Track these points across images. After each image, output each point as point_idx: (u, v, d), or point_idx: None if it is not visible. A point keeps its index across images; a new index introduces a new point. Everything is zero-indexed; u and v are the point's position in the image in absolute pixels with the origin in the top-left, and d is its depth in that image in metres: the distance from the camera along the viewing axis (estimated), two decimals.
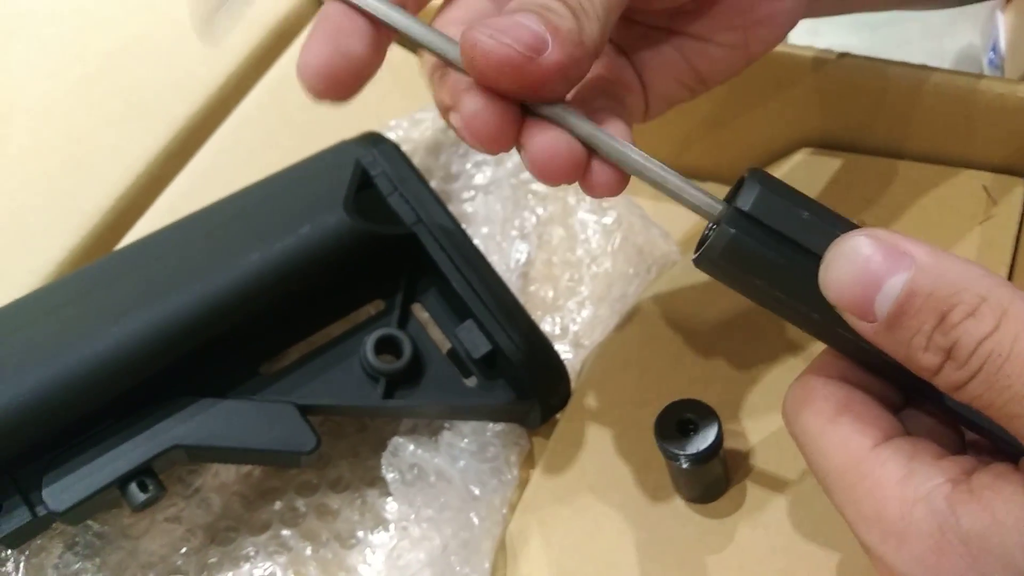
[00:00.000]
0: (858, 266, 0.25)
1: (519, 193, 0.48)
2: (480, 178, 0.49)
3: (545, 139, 0.27)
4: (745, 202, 0.27)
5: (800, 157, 0.45)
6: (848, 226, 0.27)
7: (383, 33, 0.28)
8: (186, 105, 0.49)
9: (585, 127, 0.28)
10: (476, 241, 0.42)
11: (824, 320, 0.27)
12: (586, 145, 0.28)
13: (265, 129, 0.50)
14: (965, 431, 0.29)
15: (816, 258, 0.26)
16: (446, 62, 0.28)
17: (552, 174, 0.27)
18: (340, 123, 0.45)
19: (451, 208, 0.43)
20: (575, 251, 0.47)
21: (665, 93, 0.34)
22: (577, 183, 0.29)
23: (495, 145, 0.27)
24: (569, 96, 0.29)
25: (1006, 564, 0.24)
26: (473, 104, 0.26)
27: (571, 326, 0.44)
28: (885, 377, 0.28)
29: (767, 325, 0.40)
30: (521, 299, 0.42)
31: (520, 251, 0.47)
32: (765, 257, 0.27)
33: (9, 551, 0.38)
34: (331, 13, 0.27)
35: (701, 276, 0.42)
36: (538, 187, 0.49)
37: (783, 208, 0.27)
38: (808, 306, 0.27)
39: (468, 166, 0.49)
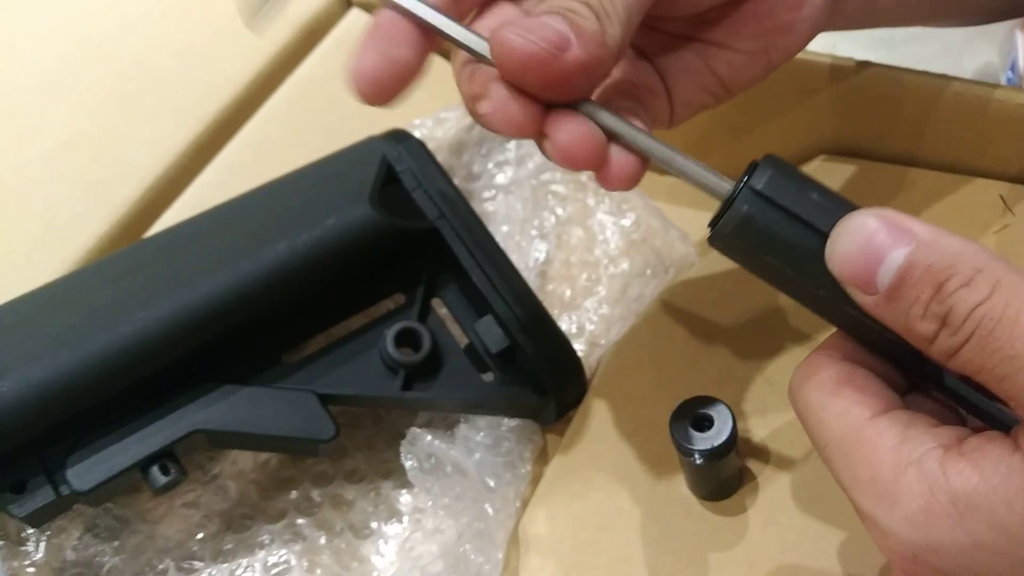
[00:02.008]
0: (862, 241, 0.27)
1: (539, 193, 0.48)
2: (501, 178, 0.49)
3: (569, 126, 0.29)
4: (758, 181, 0.29)
5: (817, 164, 0.46)
6: (855, 206, 0.28)
7: (427, 41, 0.30)
8: (216, 100, 0.50)
9: (606, 116, 0.30)
10: (496, 239, 0.43)
11: (830, 297, 0.28)
12: (607, 133, 0.30)
13: (293, 125, 0.51)
14: (967, 418, 0.29)
15: (824, 236, 0.28)
16: (479, 58, 0.29)
17: (575, 159, 0.29)
18: (366, 120, 0.46)
19: (472, 207, 0.43)
20: (593, 251, 0.47)
21: (689, 99, 0.35)
22: (595, 178, 0.30)
23: (521, 129, 0.29)
24: (594, 96, 0.31)
25: (991, 520, 0.25)
26: (502, 91, 0.28)
27: (588, 325, 0.45)
28: (889, 358, 0.29)
29: (782, 326, 0.41)
30: (539, 297, 0.42)
31: (539, 250, 0.48)
32: (775, 234, 0.28)
33: (30, 531, 0.38)
34: (381, 24, 0.30)
35: (718, 278, 0.43)
36: (558, 188, 0.49)
37: (794, 189, 0.28)
38: (816, 283, 0.28)
39: (490, 166, 0.50)
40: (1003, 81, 0.61)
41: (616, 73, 0.33)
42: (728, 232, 0.29)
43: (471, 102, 0.30)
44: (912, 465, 0.26)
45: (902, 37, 0.62)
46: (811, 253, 0.28)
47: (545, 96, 0.29)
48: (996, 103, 0.41)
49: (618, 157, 0.30)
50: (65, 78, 0.51)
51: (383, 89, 0.29)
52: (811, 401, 0.29)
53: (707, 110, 0.35)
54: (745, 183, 0.29)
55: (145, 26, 0.53)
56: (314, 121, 0.51)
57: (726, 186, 0.29)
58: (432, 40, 0.30)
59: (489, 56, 0.29)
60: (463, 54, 0.30)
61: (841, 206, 0.28)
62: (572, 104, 0.29)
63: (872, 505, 0.27)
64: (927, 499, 0.25)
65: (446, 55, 0.32)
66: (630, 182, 0.30)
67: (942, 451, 0.26)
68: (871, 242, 0.26)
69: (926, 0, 0.40)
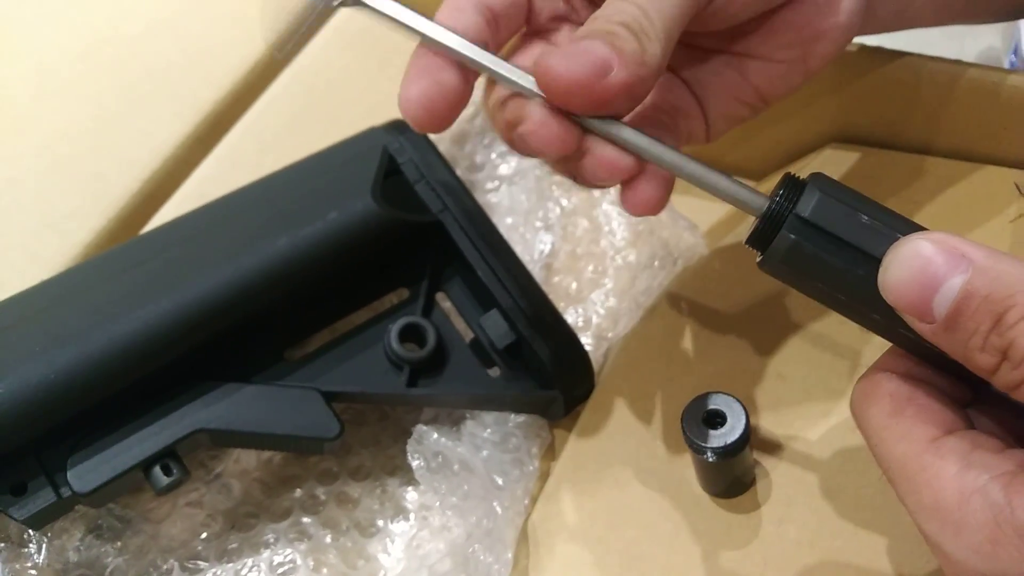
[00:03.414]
0: (916, 268, 0.26)
1: (543, 184, 0.48)
2: (505, 168, 0.49)
3: (604, 150, 0.30)
4: (805, 208, 0.28)
5: (828, 152, 0.45)
6: (908, 227, 0.28)
7: (469, 70, 0.31)
8: (214, 90, 0.50)
9: (639, 137, 0.30)
10: (500, 232, 0.42)
11: (885, 321, 0.28)
12: (637, 156, 0.30)
13: (292, 115, 0.50)
14: None
15: (876, 261, 0.27)
16: (519, 91, 0.30)
17: (615, 171, 0.30)
18: (367, 111, 0.45)
19: (475, 199, 0.43)
20: (599, 242, 0.46)
21: (726, 113, 0.35)
22: (622, 204, 0.31)
23: (562, 146, 0.29)
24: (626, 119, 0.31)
25: None
26: (541, 112, 0.29)
27: (594, 318, 0.44)
28: (951, 372, 0.28)
29: (795, 318, 0.40)
30: (544, 290, 0.41)
31: (544, 242, 0.47)
32: (825, 262, 0.28)
33: (32, 532, 0.38)
34: (423, 53, 0.31)
35: (727, 269, 0.43)
36: (562, 178, 0.48)
37: (843, 213, 0.28)
38: (869, 307, 0.28)
39: (493, 156, 0.49)
40: (1006, 65, 0.61)
41: (647, 97, 0.33)
42: (776, 262, 0.29)
43: (508, 129, 0.30)
44: (977, 493, 0.25)
45: None
46: (863, 279, 0.27)
47: (588, 114, 0.29)
48: (1009, 89, 0.41)
49: (644, 184, 0.30)
50: (60, 68, 0.50)
51: (435, 114, 0.30)
52: (872, 421, 0.28)
53: (743, 123, 0.36)
54: (791, 210, 0.28)
55: (142, 15, 0.52)
56: (314, 111, 0.50)
57: (761, 202, 0.29)
58: (474, 73, 0.31)
59: (529, 87, 0.30)
60: (497, 89, 0.31)
61: (894, 227, 0.28)
62: (602, 124, 0.30)
63: (937, 532, 0.26)
64: (992, 530, 0.25)
65: None
66: (656, 207, 0.31)
67: (1008, 478, 0.25)
68: (925, 270, 0.26)
69: (958, 1, 0.39)
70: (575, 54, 0.28)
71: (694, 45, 0.35)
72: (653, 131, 0.32)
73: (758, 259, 0.30)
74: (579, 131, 0.30)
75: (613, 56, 0.28)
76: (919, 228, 0.28)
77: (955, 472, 0.26)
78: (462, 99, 0.31)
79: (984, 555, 0.25)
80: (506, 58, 0.31)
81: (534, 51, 0.33)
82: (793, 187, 0.29)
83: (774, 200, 0.29)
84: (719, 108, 0.35)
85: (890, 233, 0.27)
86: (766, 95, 0.35)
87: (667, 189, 0.31)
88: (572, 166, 0.30)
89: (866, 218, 0.28)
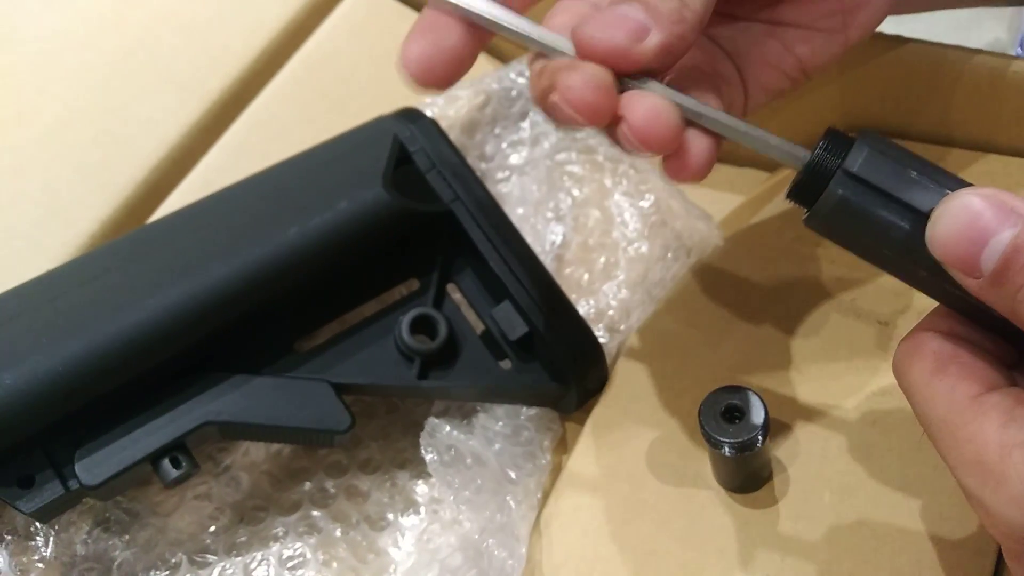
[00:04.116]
0: (965, 222, 0.26)
1: (555, 174, 0.47)
2: (516, 158, 0.48)
3: (645, 104, 0.29)
4: (853, 163, 0.28)
5: None
6: (957, 183, 0.28)
7: (477, 33, 0.30)
8: (220, 78, 0.49)
9: (677, 96, 0.30)
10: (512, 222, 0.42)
11: (932, 277, 0.27)
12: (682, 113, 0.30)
13: (300, 103, 0.49)
14: None
15: (924, 217, 0.27)
16: (554, 54, 0.30)
17: (652, 139, 0.29)
18: (376, 99, 0.44)
19: (487, 188, 0.42)
20: (611, 233, 0.46)
21: (766, 83, 0.35)
22: (666, 170, 0.30)
23: (596, 115, 0.29)
24: (665, 82, 0.31)
25: None
26: (571, 81, 0.29)
27: (607, 310, 0.44)
28: (996, 332, 0.28)
29: (811, 310, 0.39)
30: (556, 282, 0.41)
31: (555, 233, 0.46)
32: (873, 216, 0.28)
33: (39, 525, 0.37)
34: (427, 17, 0.30)
35: (742, 260, 0.42)
36: (574, 168, 0.48)
37: (891, 168, 0.28)
38: (916, 263, 0.28)
39: (503, 146, 0.49)
40: None
41: (688, 60, 0.33)
42: (824, 216, 0.29)
43: (543, 96, 0.30)
44: (1018, 447, 0.25)
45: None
46: (911, 234, 0.27)
47: (624, 73, 0.29)
48: (1021, 77, 0.40)
49: (694, 140, 0.30)
50: (64, 54, 0.50)
51: (434, 73, 0.30)
52: (915, 379, 0.28)
53: (782, 97, 0.36)
54: (839, 165, 0.28)
55: (148, 3, 0.51)
56: (322, 99, 0.49)
57: (806, 156, 0.29)
58: (481, 33, 0.30)
59: (564, 51, 0.30)
60: (539, 60, 0.31)
61: (943, 182, 0.27)
62: (644, 83, 0.29)
63: (978, 486, 0.26)
64: None
65: None
66: (705, 169, 0.30)
67: None
68: (974, 224, 0.26)
69: None
70: (610, 23, 0.29)
71: (735, 15, 0.35)
72: (699, 91, 0.32)
73: (804, 215, 0.29)
74: (615, 96, 0.29)
75: (649, 20, 0.29)
76: (968, 184, 0.27)
77: (997, 427, 0.26)
78: (464, 62, 0.30)
79: None
80: (544, 18, 0.31)
81: (574, 4, 0.32)
82: (839, 142, 0.29)
83: (820, 154, 0.29)
84: (759, 78, 0.35)
85: (939, 189, 0.27)
86: (806, 65, 0.35)
87: (715, 145, 0.30)
88: (612, 131, 0.30)
89: (915, 173, 0.28)
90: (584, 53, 0.29)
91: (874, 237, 0.28)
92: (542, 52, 0.30)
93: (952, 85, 0.41)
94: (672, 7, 0.29)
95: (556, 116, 0.29)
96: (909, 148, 0.43)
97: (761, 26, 0.35)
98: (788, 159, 0.29)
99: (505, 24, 0.30)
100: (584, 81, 0.29)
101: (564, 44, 0.30)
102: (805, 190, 0.29)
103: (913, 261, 0.28)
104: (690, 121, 0.30)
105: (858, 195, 0.28)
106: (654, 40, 0.29)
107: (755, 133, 0.30)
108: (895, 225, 0.28)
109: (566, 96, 0.29)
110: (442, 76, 0.30)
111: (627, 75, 0.29)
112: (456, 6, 0.30)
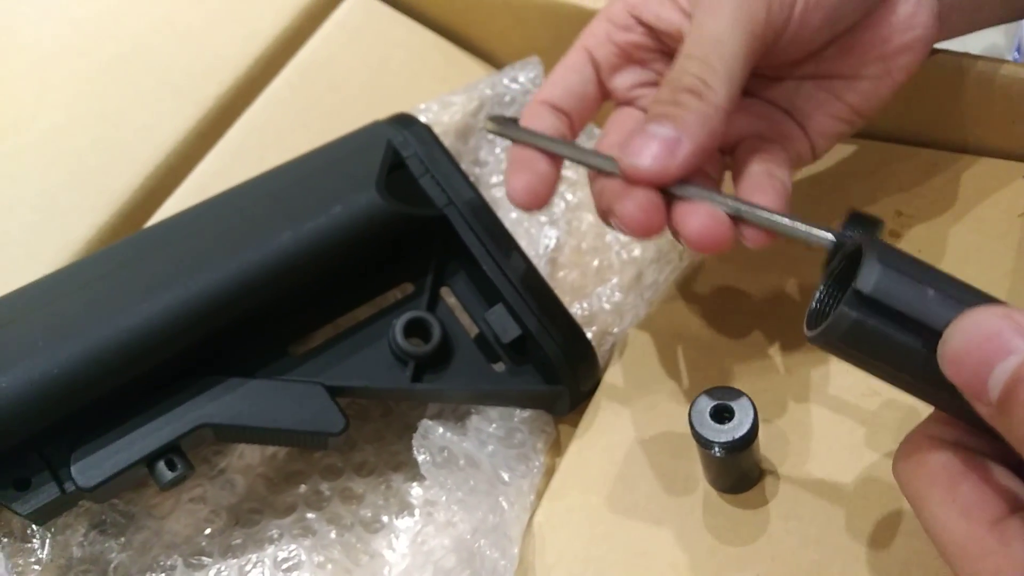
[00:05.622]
0: (974, 344, 0.24)
1: None
2: None
3: (697, 219, 0.32)
4: (865, 284, 0.26)
5: (838, 146, 0.44)
6: (976, 298, 0.26)
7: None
8: (216, 85, 0.49)
9: (716, 196, 0.32)
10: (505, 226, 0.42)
11: (952, 400, 0.25)
12: (730, 215, 0.32)
13: (295, 109, 0.50)
14: None
15: (938, 336, 0.25)
16: (606, 174, 0.34)
17: (710, 247, 0.32)
18: (370, 105, 0.45)
19: (480, 193, 0.42)
20: (604, 237, 0.46)
21: (827, 131, 0.37)
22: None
23: (650, 231, 0.33)
24: (738, 150, 0.36)
25: None
26: (624, 208, 0.32)
27: (600, 313, 0.44)
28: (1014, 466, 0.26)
29: (802, 312, 0.40)
30: (550, 285, 0.41)
31: (549, 237, 0.47)
32: (888, 340, 0.26)
33: (35, 527, 0.38)
34: (518, 149, 0.36)
35: (734, 263, 0.42)
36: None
37: (906, 287, 0.26)
38: (934, 386, 0.26)
39: (497, 151, 0.49)
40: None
41: (750, 129, 0.37)
42: (835, 340, 0.27)
43: (604, 216, 0.34)
44: None
45: None
46: (929, 356, 0.25)
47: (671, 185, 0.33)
48: (1019, 82, 0.40)
49: (748, 232, 0.32)
50: (60, 61, 0.50)
51: (537, 197, 0.35)
52: (924, 496, 0.26)
53: (846, 138, 0.38)
54: (851, 285, 0.26)
55: (143, 7, 0.51)
56: (317, 105, 0.50)
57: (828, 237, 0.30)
58: (557, 160, 0.35)
59: (615, 172, 0.33)
60: (599, 179, 0.34)
61: (961, 298, 0.25)
62: (689, 191, 0.32)
63: None
64: None
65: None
66: (766, 245, 0.33)
67: None
68: (983, 346, 0.24)
69: None
70: (641, 147, 0.32)
71: (783, 77, 0.37)
72: (769, 147, 0.35)
73: (809, 334, 0.27)
74: (664, 213, 0.32)
75: (678, 132, 0.32)
76: (989, 299, 0.26)
77: (1022, 559, 0.24)
78: (554, 181, 0.35)
79: None
80: (599, 135, 0.37)
81: (623, 119, 0.37)
82: (848, 256, 0.27)
83: (832, 268, 0.28)
84: (819, 128, 0.37)
85: (956, 305, 0.25)
86: (860, 110, 0.37)
87: (766, 238, 0.33)
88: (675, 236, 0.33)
89: (931, 292, 0.25)
90: (630, 182, 0.32)
91: (890, 360, 0.26)
92: (600, 171, 0.34)
93: (943, 88, 0.42)
94: (697, 114, 0.32)
95: (619, 229, 0.33)
96: (901, 152, 0.43)
97: (811, 81, 0.37)
98: (816, 241, 0.31)
99: (567, 154, 0.35)
100: (635, 206, 0.32)
101: (614, 165, 0.33)
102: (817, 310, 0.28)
103: (932, 385, 0.26)
104: (733, 216, 0.32)
105: (872, 317, 0.26)
106: (686, 150, 0.32)
107: (783, 222, 0.31)
108: (911, 348, 0.25)
109: (623, 221, 0.32)
110: (543, 196, 0.35)
111: (672, 185, 0.32)
112: (535, 144, 0.35)
